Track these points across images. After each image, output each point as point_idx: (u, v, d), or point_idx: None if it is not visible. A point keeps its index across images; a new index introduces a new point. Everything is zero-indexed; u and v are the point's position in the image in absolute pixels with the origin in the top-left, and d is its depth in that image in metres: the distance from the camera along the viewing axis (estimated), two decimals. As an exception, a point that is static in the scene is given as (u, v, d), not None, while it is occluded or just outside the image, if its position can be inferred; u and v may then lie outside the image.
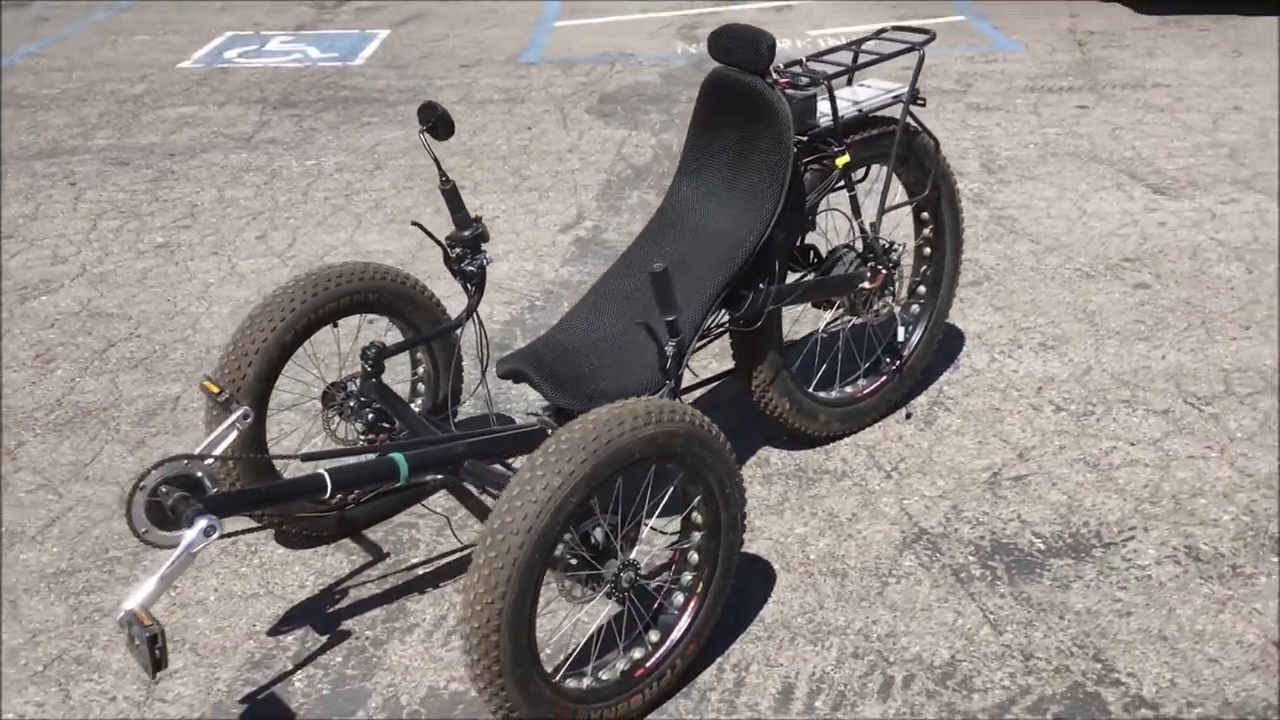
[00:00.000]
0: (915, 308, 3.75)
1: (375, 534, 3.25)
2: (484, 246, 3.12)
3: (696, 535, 2.63)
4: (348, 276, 3.03)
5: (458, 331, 3.23)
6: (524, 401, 3.82)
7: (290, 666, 2.81)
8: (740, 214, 3.09)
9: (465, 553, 3.14)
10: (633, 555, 2.54)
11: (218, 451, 2.55)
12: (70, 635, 2.91)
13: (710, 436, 2.50)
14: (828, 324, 3.59)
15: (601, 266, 4.71)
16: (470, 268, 3.10)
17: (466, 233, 3.09)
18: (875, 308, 3.47)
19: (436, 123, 3.01)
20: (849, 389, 3.61)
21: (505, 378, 2.99)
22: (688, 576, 2.66)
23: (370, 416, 3.01)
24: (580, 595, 2.50)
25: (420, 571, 3.11)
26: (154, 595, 2.31)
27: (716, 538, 2.63)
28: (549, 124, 6.65)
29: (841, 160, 3.24)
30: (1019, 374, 3.95)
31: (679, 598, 2.67)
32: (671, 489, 2.57)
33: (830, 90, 3.18)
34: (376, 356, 3.01)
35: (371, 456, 2.72)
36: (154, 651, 2.21)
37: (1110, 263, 4.77)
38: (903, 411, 3.72)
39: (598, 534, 2.43)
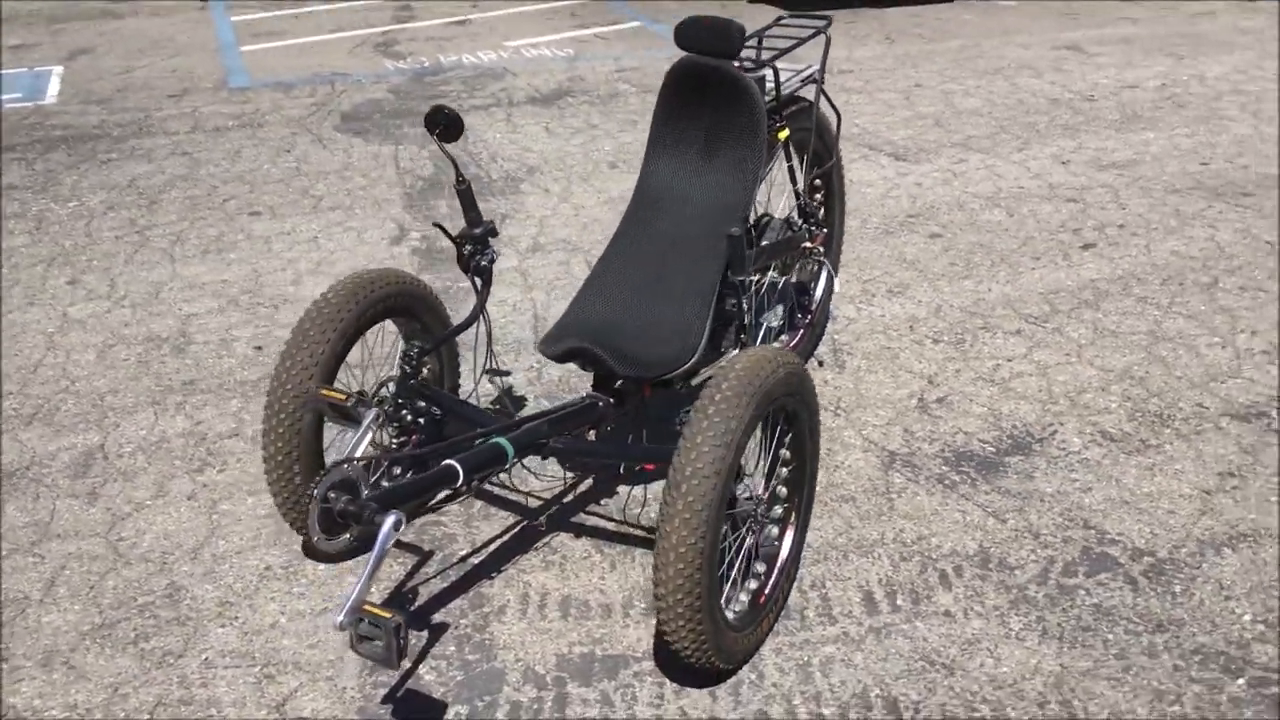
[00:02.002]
0: (813, 265, 4.18)
1: (405, 537, 3.29)
2: (491, 242, 3.24)
3: (785, 468, 2.93)
4: (380, 283, 3.08)
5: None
6: (531, 387, 3.93)
7: (408, 665, 2.84)
8: (724, 186, 3.38)
9: (507, 536, 3.25)
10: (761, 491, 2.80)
11: (359, 454, 2.58)
12: (157, 681, 2.79)
13: (808, 374, 2.81)
14: (757, 283, 3.94)
15: (450, 270, 4.84)
16: (483, 263, 3.22)
17: (478, 230, 3.20)
18: (807, 265, 3.86)
19: (446, 125, 3.10)
20: (776, 344, 3.98)
21: (561, 359, 3.12)
22: (779, 509, 2.95)
23: (408, 418, 3.08)
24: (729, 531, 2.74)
25: (475, 560, 3.20)
26: (363, 595, 2.34)
27: (804, 468, 2.94)
28: (306, 145, 6.59)
29: (783, 134, 3.60)
30: (887, 317, 4.48)
31: (773, 529, 2.95)
32: (780, 425, 2.85)
33: (776, 71, 3.54)
34: (419, 356, 3.07)
35: (480, 443, 2.82)
36: (399, 640, 2.26)
37: (900, 220, 5.42)
38: (814, 360, 4.14)
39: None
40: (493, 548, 3.25)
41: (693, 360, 3.10)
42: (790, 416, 2.82)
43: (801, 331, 4.05)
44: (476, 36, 9.12)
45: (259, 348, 4.33)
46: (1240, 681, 2.73)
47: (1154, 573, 3.08)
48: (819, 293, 4.15)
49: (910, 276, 4.81)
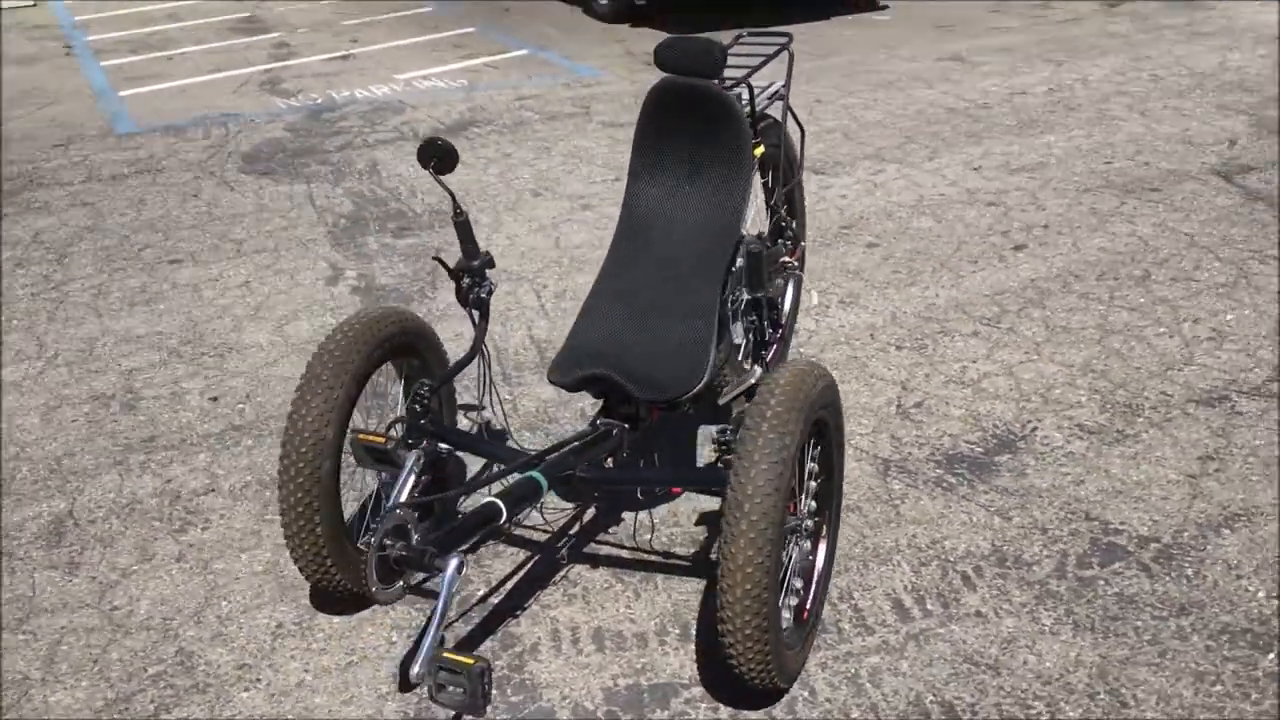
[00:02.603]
0: (781, 279, 4.20)
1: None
2: (488, 274, 3.18)
3: (813, 482, 2.93)
4: (386, 323, 2.99)
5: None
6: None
7: (447, 714, 2.76)
8: (714, 204, 3.37)
9: (522, 572, 3.18)
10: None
11: (403, 497, 2.49)
12: (189, 753, 2.66)
13: (837, 386, 2.82)
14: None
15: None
16: (482, 295, 3.15)
17: (475, 262, 3.14)
18: (776, 279, 3.88)
19: (441, 157, 3.04)
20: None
21: (574, 387, 3.07)
22: (810, 522, 2.95)
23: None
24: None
25: (494, 600, 3.13)
26: (435, 643, 2.27)
27: (832, 479, 2.94)
28: (212, 189, 6.39)
29: (759, 150, 3.62)
30: (846, 327, 4.54)
31: (806, 543, 2.95)
32: (812, 438, 2.85)
33: (750, 89, 3.56)
34: (430, 394, 3.00)
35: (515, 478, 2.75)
36: (485, 685, 2.20)
37: (834, 232, 5.50)
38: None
39: None
40: (510, 585, 3.18)
41: (705, 380, 3.08)
42: (822, 428, 2.82)
43: (775, 346, 4.06)
44: (364, 71, 8.97)
45: (214, 399, 4.17)
46: (1270, 656, 2.81)
47: (1164, 558, 3.16)
48: (787, 305, 4.17)
49: (858, 286, 4.88)
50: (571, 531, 3.39)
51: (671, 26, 9.94)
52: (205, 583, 3.21)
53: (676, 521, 3.41)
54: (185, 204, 6.15)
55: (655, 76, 8.35)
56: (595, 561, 3.26)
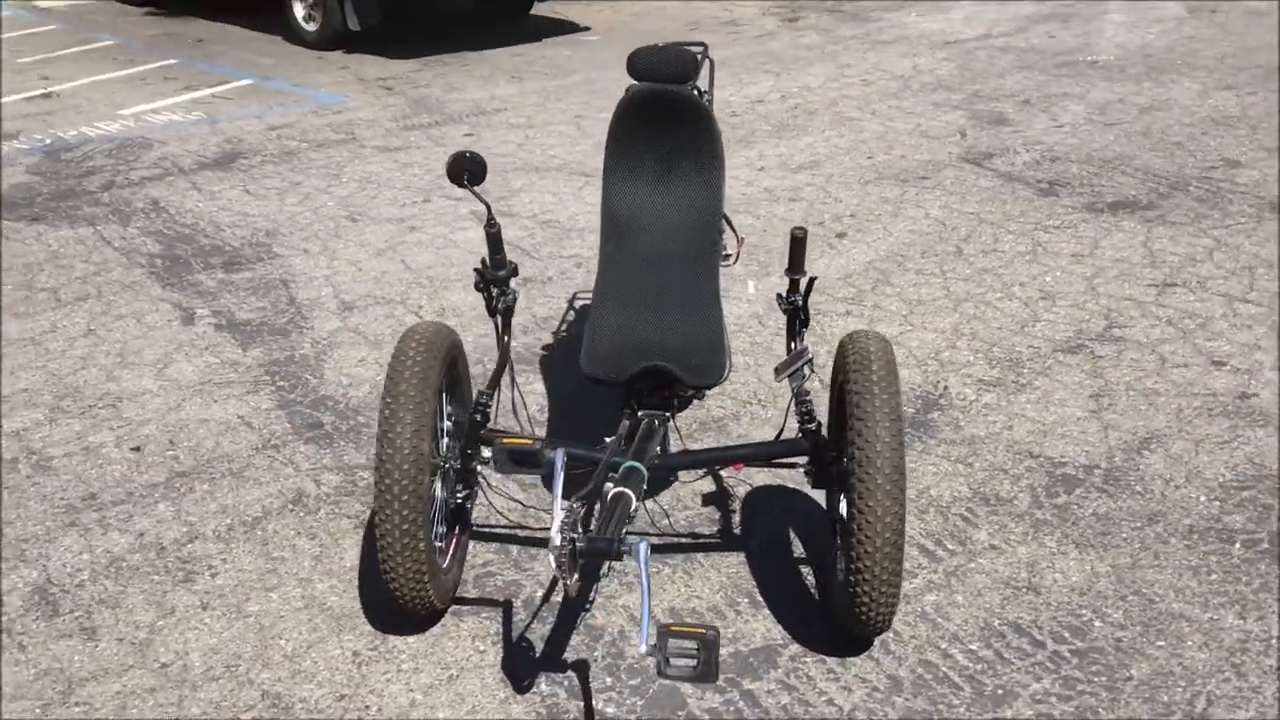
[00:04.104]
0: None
1: (468, 591, 3.22)
2: (512, 282, 3.25)
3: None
4: (445, 335, 3.01)
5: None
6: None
7: (567, 694, 2.83)
8: (694, 203, 3.56)
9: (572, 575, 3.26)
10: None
11: (563, 494, 2.57)
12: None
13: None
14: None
15: (275, 340, 4.66)
16: (508, 303, 3.22)
17: (502, 272, 3.21)
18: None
19: (473, 170, 3.09)
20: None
21: (628, 382, 3.16)
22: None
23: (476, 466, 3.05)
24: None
25: (556, 599, 3.19)
26: (651, 618, 2.37)
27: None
28: (-16, 239, 5.89)
29: (703, 151, 3.84)
30: (731, 317, 4.84)
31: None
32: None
33: (700, 93, 3.78)
34: (489, 402, 3.04)
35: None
36: (717, 652, 2.32)
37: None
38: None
39: None
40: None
41: (730, 364, 3.28)
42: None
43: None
44: (79, 108, 8.41)
45: (136, 449, 3.93)
46: (1237, 545, 3.34)
47: (1111, 481, 3.65)
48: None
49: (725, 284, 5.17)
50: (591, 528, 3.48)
51: (394, 53, 9.92)
52: (249, 626, 3.08)
53: (685, 505, 3.58)
54: (-38, 257, 5.63)
55: (401, 102, 8.36)
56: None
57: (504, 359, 3.21)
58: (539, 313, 4.91)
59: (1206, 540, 3.35)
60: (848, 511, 2.75)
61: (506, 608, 3.15)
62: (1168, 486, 3.61)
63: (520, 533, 3.44)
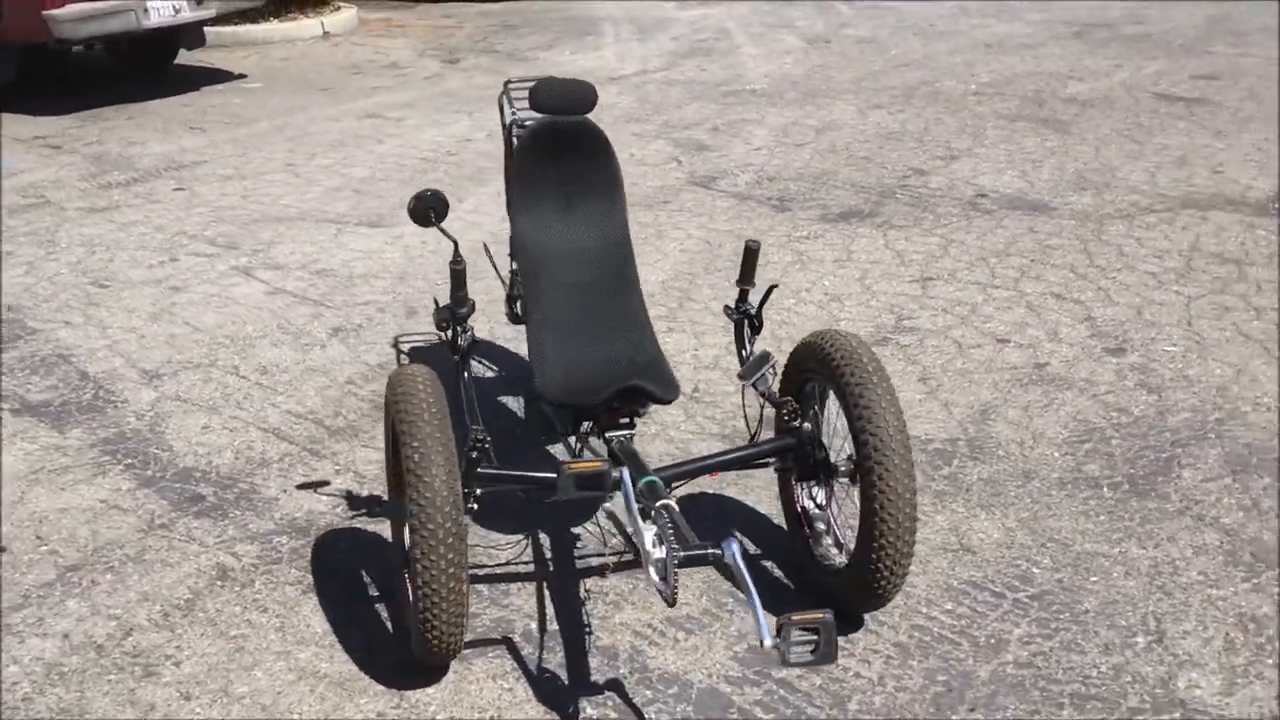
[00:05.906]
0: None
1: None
2: (470, 321, 3.27)
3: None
4: (434, 376, 2.98)
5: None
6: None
7: (617, 714, 2.88)
8: (605, 227, 3.67)
9: (547, 601, 3.28)
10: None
11: (637, 514, 2.64)
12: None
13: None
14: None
15: (90, 418, 4.34)
16: (464, 341, 3.23)
17: (462, 310, 3.21)
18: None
19: (436, 207, 3.10)
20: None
21: (602, 405, 3.21)
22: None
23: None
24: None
25: (553, 628, 3.20)
26: (763, 614, 2.49)
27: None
28: None
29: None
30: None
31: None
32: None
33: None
34: (485, 440, 3.03)
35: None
36: (835, 633, 2.47)
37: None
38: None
39: None
40: (550, 613, 3.27)
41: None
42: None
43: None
44: None
45: (2, 549, 3.55)
46: (1104, 489, 3.84)
47: (978, 450, 4.08)
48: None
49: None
50: (549, 555, 3.51)
51: (40, 110, 9.19)
52: (250, 708, 2.90)
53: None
54: None
55: (78, 160, 7.82)
56: (584, 573, 3.43)
57: (469, 397, 3.19)
58: (371, 360, 4.80)
59: (1079, 488, 3.83)
60: (863, 493, 2.96)
61: (509, 644, 3.12)
62: (1024, 448, 4.07)
63: (498, 570, 3.41)
